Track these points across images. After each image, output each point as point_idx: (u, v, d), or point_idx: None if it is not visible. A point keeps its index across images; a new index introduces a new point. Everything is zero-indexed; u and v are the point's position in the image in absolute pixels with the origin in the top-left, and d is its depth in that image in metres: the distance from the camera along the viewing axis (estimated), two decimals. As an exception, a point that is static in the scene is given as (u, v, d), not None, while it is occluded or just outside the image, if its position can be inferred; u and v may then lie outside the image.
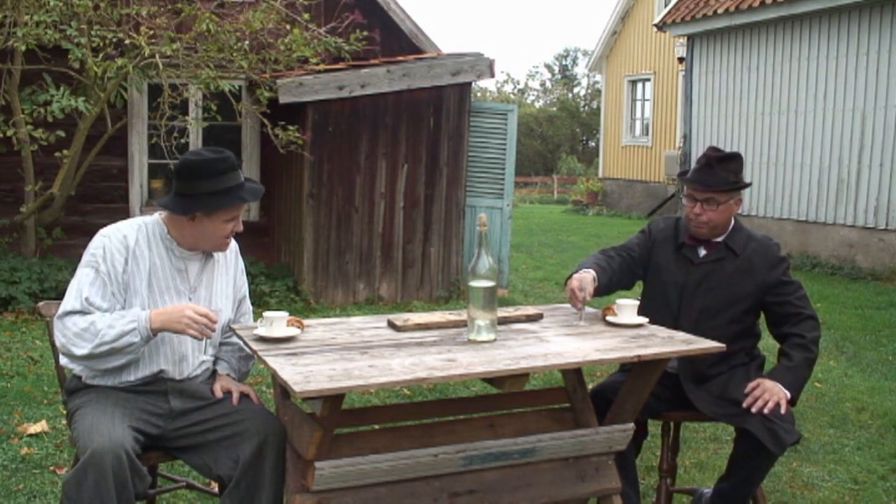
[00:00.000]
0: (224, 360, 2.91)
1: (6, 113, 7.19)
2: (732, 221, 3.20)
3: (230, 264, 2.97)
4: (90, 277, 2.64)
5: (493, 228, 8.46)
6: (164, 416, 2.71)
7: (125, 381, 2.70)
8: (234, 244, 2.99)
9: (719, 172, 3.09)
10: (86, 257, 2.69)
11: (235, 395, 2.76)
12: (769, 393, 2.89)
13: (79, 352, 2.58)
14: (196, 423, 2.70)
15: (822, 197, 10.68)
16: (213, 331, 2.64)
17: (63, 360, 2.79)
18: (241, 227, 2.81)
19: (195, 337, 2.61)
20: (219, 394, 2.77)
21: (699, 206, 3.11)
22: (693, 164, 3.26)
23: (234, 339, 2.92)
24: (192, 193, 2.68)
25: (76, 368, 2.74)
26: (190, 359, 2.78)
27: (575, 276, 3.01)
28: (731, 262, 3.14)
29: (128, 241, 2.70)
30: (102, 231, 2.73)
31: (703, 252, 3.18)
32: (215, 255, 2.90)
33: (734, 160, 3.16)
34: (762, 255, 3.14)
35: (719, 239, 3.18)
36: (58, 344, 2.64)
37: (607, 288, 3.13)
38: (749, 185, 3.25)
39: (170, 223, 2.77)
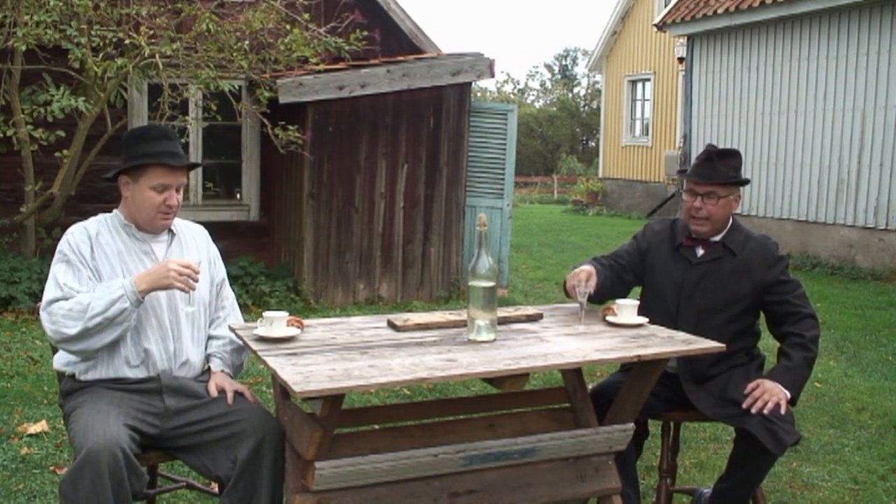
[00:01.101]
0: (217, 356, 2.91)
1: (6, 113, 7.19)
2: (731, 220, 3.21)
3: (200, 247, 2.99)
4: (63, 268, 2.72)
5: (493, 228, 8.46)
6: (159, 415, 2.71)
7: (119, 374, 2.72)
8: (202, 230, 3.05)
9: (719, 167, 3.10)
10: (55, 257, 2.77)
11: (230, 395, 2.76)
12: (769, 393, 2.89)
13: (72, 331, 2.59)
14: (193, 423, 2.71)
15: (822, 197, 10.68)
16: (197, 280, 2.69)
17: (57, 361, 2.81)
18: (174, 201, 2.81)
19: (182, 289, 2.66)
20: (213, 392, 2.77)
21: (699, 199, 3.12)
22: (692, 163, 3.28)
23: (224, 332, 2.93)
24: (129, 158, 2.78)
25: (70, 362, 2.76)
26: (171, 332, 2.79)
27: (576, 269, 3.02)
28: (728, 262, 3.14)
29: (89, 231, 2.79)
30: (66, 232, 2.83)
31: (700, 252, 3.18)
32: (182, 236, 2.93)
33: (734, 156, 3.17)
34: (760, 255, 3.14)
35: (717, 238, 3.18)
36: (48, 332, 2.65)
37: (602, 291, 3.11)
38: (748, 181, 3.26)
39: (122, 208, 2.85)
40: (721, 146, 3.39)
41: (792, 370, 2.99)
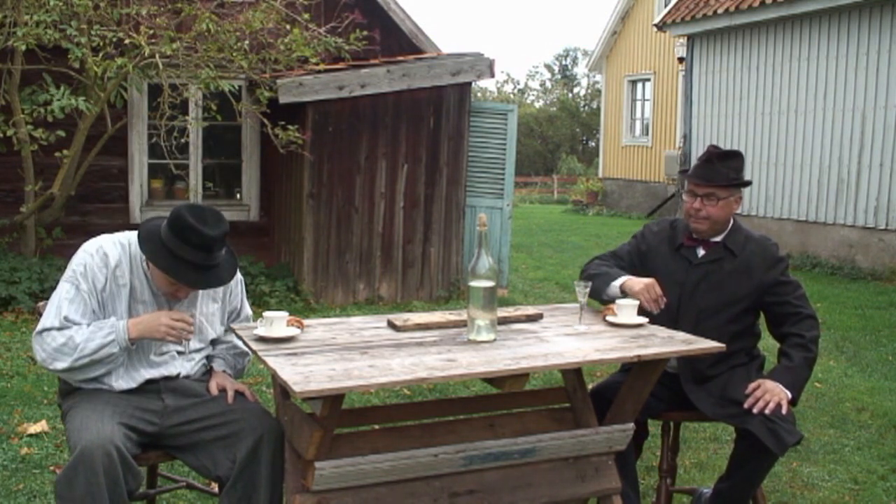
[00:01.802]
0: (219, 357, 2.92)
1: (6, 113, 7.19)
2: (731, 221, 3.21)
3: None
4: (70, 294, 2.65)
5: (493, 228, 8.46)
6: (158, 413, 2.71)
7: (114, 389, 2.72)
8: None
9: (720, 168, 3.11)
10: (68, 272, 2.70)
11: (230, 394, 2.76)
12: (770, 393, 2.89)
13: (59, 366, 2.62)
14: (192, 421, 2.71)
15: (822, 197, 10.67)
16: (192, 333, 2.67)
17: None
18: (182, 295, 2.74)
19: (175, 342, 2.66)
20: (214, 391, 2.77)
21: (699, 201, 3.12)
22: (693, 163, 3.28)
23: (229, 338, 2.93)
24: (160, 238, 2.64)
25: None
26: (167, 361, 2.78)
27: (635, 281, 3.03)
28: (729, 263, 3.14)
29: (109, 259, 2.71)
30: (86, 246, 2.74)
31: (701, 252, 3.18)
32: None
33: (735, 158, 3.18)
34: (760, 256, 3.14)
35: (718, 239, 3.18)
36: (38, 359, 2.66)
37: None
38: (749, 183, 3.26)
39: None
40: (721, 146, 3.40)
41: (792, 370, 2.99)
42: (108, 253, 2.71)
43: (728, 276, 3.12)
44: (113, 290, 2.71)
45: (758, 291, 3.12)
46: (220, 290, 2.91)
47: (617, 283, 3.09)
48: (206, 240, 2.60)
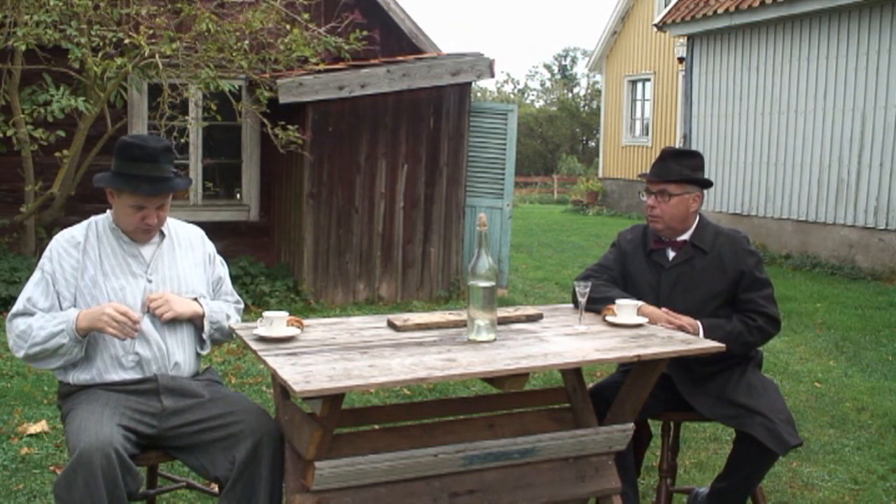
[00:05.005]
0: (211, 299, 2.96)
1: (6, 113, 7.19)
2: (697, 219, 3.20)
3: (195, 246, 2.98)
4: (36, 278, 2.76)
5: (493, 228, 8.46)
6: (157, 416, 2.71)
7: (113, 378, 2.73)
8: (198, 231, 3.05)
9: (672, 166, 3.13)
10: (40, 261, 2.80)
11: (161, 305, 2.74)
12: (687, 323, 2.96)
13: (19, 353, 2.69)
14: (190, 423, 2.71)
15: (822, 197, 10.67)
16: (136, 330, 2.66)
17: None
18: (153, 221, 2.79)
19: (116, 336, 2.63)
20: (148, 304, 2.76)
21: (653, 198, 3.15)
22: None
23: (232, 300, 3.01)
24: (111, 169, 2.81)
25: (59, 370, 2.79)
26: (156, 334, 2.78)
27: (647, 308, 3.02)
28: (700, 261, 3.14)
29: (76, 238, 2.80)
30: (55, 236, 2.84)
31: (672, 255, 3.18)
32: (174, 237, 2.93)
33: (691, 157, 3.19)
34: (730, 249, 3.14)
35: (685, 237, 3.17)
36: (9, 346, 2.74)
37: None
38: (708, 182, 3.20)
39: (113, 212, 2.85)
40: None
41: (722, 328, 3.00)
42: (75, 234, 2.81)
43: (701, 275, 3.12)
44: (86, 263, 2.76)
45: (733, 285, 3.11)
46: (200, 253, 2.96)
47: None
48: (149, 150, 2.76)
